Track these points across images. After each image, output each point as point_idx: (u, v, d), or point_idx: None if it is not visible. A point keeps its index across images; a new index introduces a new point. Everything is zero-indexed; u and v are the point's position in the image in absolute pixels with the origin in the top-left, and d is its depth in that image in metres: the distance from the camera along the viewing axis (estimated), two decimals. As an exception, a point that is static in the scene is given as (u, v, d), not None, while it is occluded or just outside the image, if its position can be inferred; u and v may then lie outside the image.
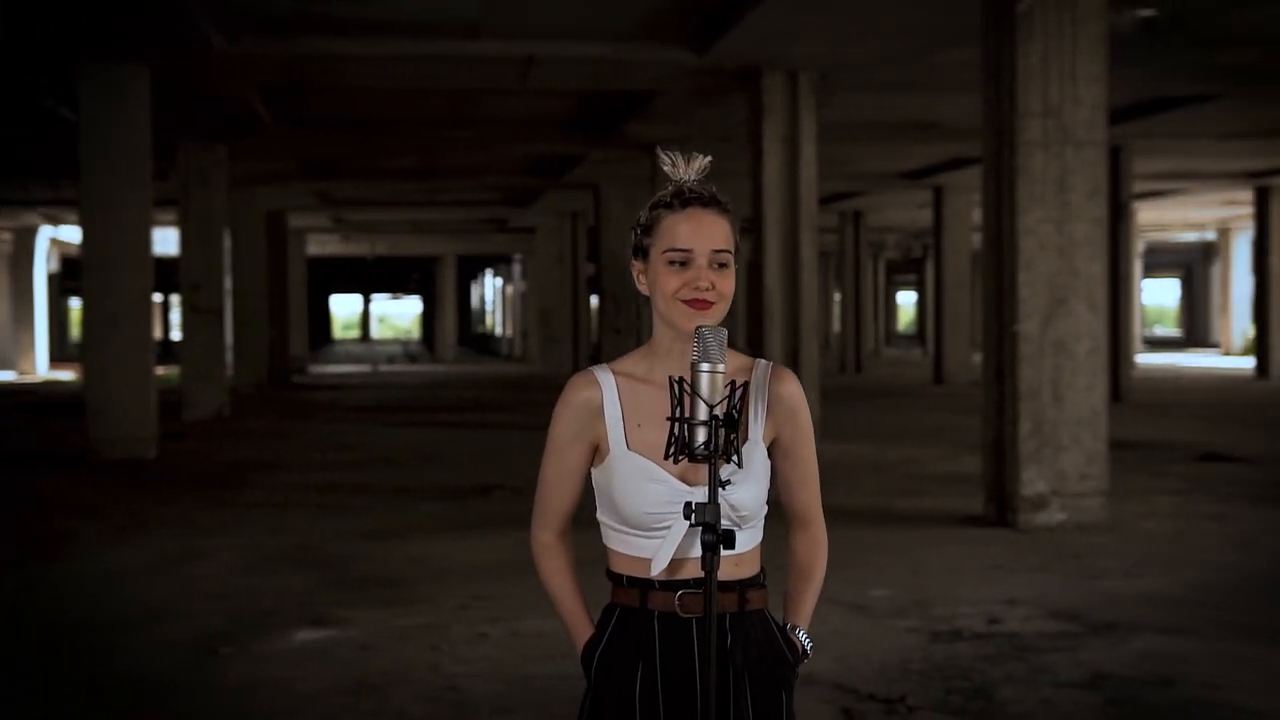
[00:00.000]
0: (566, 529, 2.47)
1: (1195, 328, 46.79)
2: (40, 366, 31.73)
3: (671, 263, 2.26)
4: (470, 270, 55.37)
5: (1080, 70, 8.68)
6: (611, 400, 2.32)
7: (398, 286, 62.63)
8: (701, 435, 2.14)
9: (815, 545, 2.50)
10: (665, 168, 2.33)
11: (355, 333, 71.35)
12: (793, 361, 13.73)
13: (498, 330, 51.73)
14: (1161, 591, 6.92)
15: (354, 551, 8.30)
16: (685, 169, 2.32)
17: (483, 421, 17.51)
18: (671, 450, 2.18)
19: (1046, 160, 8.67)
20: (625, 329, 24.52)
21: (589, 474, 2.40)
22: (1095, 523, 8.74)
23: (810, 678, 5.33)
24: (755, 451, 2.30)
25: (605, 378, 2.35)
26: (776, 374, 2.35)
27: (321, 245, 39.54)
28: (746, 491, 2.27)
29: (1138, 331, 35.58)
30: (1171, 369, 29.83)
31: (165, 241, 24.24)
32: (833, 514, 7.93)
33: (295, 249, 31.60)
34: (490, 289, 55.51)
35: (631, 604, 2.33)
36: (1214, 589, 6.98)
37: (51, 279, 34.75)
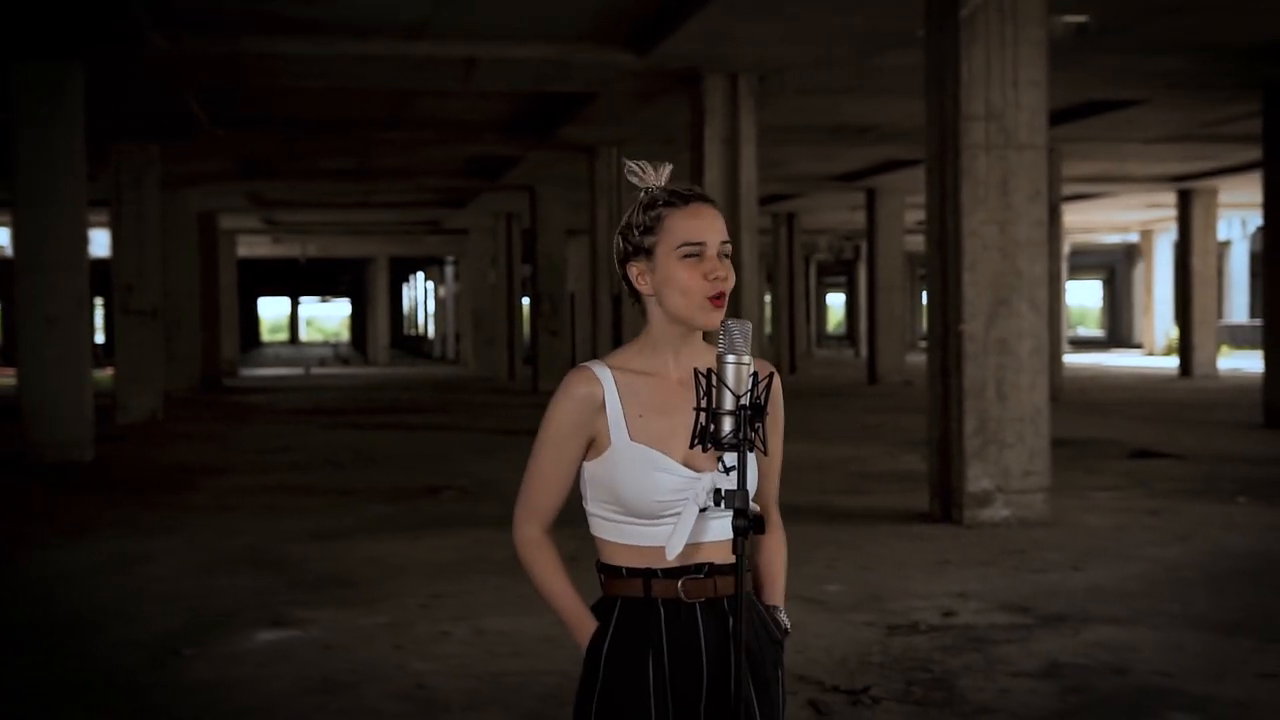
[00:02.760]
0: (552, 526, 2.48)
1: (1118, 328, 47.68)
2: (-37, 370, 31.14)
3: (687, 256, 2.34)
4: (402, 272, 55.12)
5: (1022, 75, 8.87)
6: (612, 394, 2.37)
7: (327, 289, 62.19)
8: (728, 425, 2.21)
9: (779, 529, 2.58)
10: (634, 178, 2.40)
11: (283, 335, 70.70)
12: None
13: (430, 333, 51.55)
14: (1106, 584, 7.09)
15: (308, 552, 8.28)
16: (656, 176, 2.40)
17: (422, 423, 17.46)
18: (696, 440, 2.24)
19: (989, 163, 8.84)
20: (561, 330, 24.56)
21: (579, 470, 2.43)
22: (1038, 518, 8.93)
23: (775, 670, 5.42)
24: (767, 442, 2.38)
25: (603, 373, 2.40)
26: (763, 366, 2.38)
27: (251, 247, 39.14)
28: (749, 480, 2.33)
29: (1064, 332, 36.21)
30: (1097, 369, 30.39)
31: (95, 243, 23.88)
32: (780, 510, 8.02)
33: (225, 251, 31.27)
34: (422, 291, 55.26)
35: (634, 594, 2.37)
36: (1158, 581, 7.18)
37: (-26, 281, 34.12)
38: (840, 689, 5.20)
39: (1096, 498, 10.13)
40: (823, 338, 53.94)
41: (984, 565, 7.62)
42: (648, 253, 2.38)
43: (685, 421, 2.33)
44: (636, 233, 2.39)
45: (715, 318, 2.33)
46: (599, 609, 2.43)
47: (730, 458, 2.26)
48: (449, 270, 44.06)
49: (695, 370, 2.28)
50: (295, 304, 68.69)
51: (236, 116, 17.13)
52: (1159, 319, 37.93)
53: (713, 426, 2.22)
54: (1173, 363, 28.96)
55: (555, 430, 2.40)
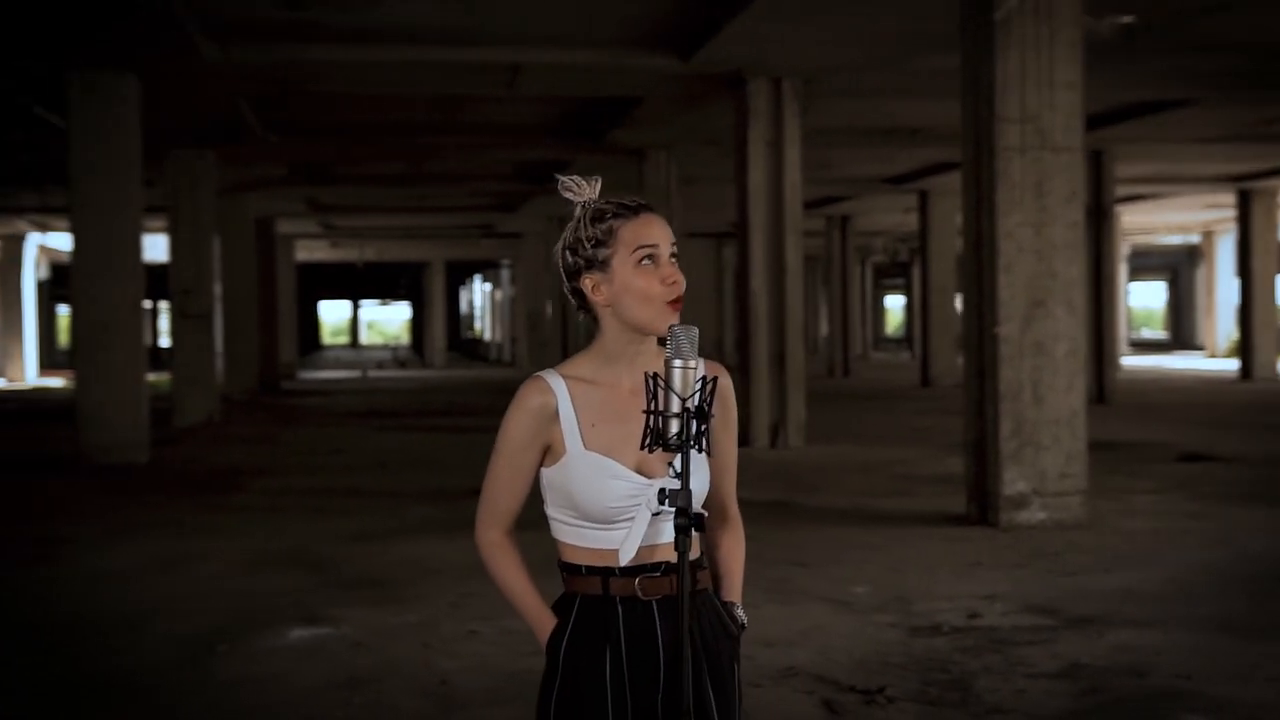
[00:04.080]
0: (513, 528, 2.57)
1: (1181, 330, 47.07)
2: (29, 374, 31.78)
3: (643, 260, 2.41)
4: (459, 275, 55.50)
5: (1057, 77, 8.84)
6: (565, 404, 2.45)
7: (386, 292, 62.63)
8: (674, 426, 2.28)
9: (737, 527, 2.66)
10: (569, 194, 2.46)
11: (344, 339, 71.36)
12: (778, 364, 13.89)
13: (486, 335, 51.87)
14: (1137, 587, 7.06)
15: (347, 553, 8.42)
16: (590, 190, 2.47)
17: (473, 425, 17.61)
18: (646, 441, 2.31)
19: (1024, 165, 8.82)
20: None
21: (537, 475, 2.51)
22: (1075, 521, 8.89)
23: (792, 670, 5.48)
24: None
25: (556, 382, 2.47)
26: (714, 369, 2.45)
27: (310, 251, 39.63)
28: (698, 480, 2.42)
29: (1123, 334, 35.79)
30: (1157, 371, 30.04)
31: (155, 248, 24.32)
32: (817, 513, 8.10)
33: (284, 255, 31.69)
34: (479, 294, 55.63)
35: (594, 592, 2.45)
36: (1189, 584, 7.13)
37: (41, 286, 34.79)
38: (856, 689, 5.24)
39: (1138, 501, 10.06)
40: (880, 340, 53.67)
41: (1015, 568, 7.61)
42: (602, 264, 2.43)
43: (637, 429, 2.39)
44: (589, 245, 2.44)
45: (672, 320, 2.40)
46: (559, 606, 2.52)
47: (679, 460, 2.33)
48: (505, 273, 44.34)
49: (645, 375, 2.35)
50: (356, 307, 69.29)
51: (289, 123, 17.37)
52: (1220, 320, 37.42)
53: (660, 427, 2.29)
54: (1234, 365, 28.57)
55: (511, 439, 2.48)
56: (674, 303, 2.41)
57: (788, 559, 7.90)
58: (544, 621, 2.51)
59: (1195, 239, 40.80)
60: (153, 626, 6.51)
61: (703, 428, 2.29)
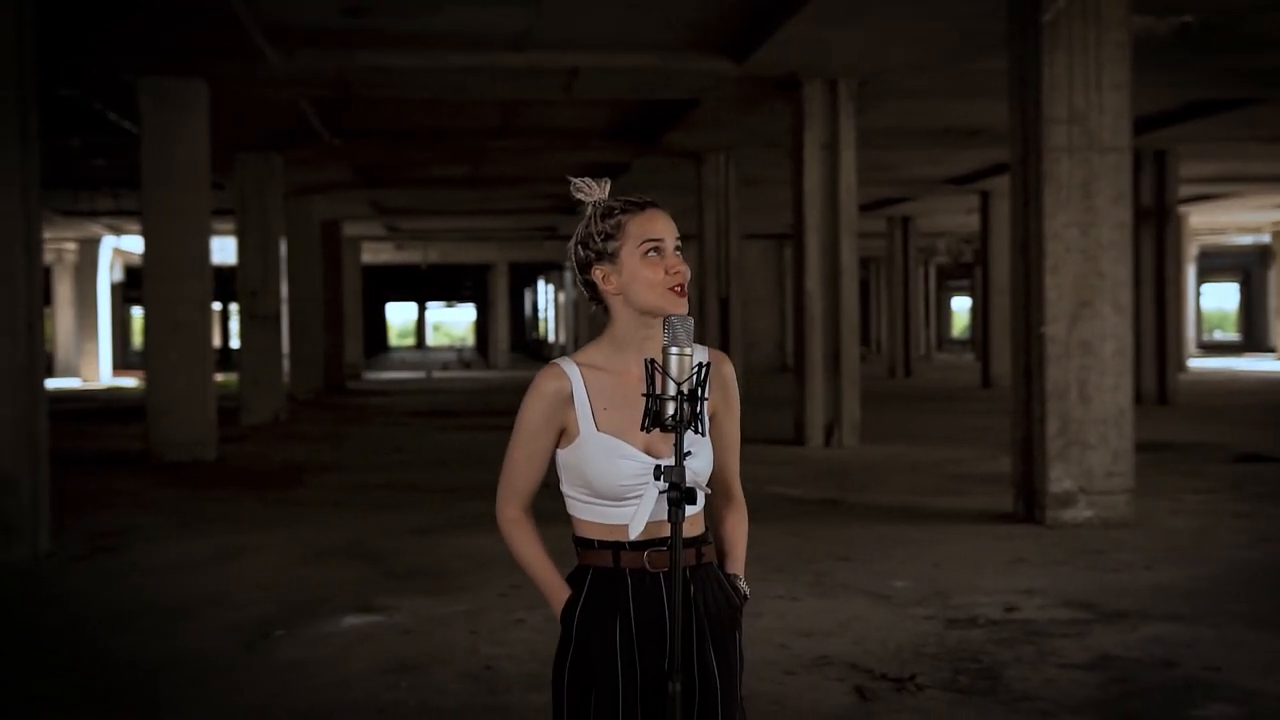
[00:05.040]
0: (531, 505, 2.77)
1: (1254, 332, 46.45)
2: (104, 374, 32.51)
3: (650, 252, 2.61)
4: (523, 277, 55.96)
5: (1105, 78, 8.89)
6: (579, 388, 2.64)
7: (451, 294, 63.30)
8: (670, 408, 2.46)
9: (740, 505, 2.85)
10: (580, 195, 2.70)
11: (411, 340, 72.11)
12: (833, 364, 13.98)
13: (550, 337, 52.26)
14: (1177, 583, 7.12)
15: (402, 546, 8.65)
16: (600, 190, 2.69)
17: (532, 425, 17.81)
18: (646, 422, 2.49)
19: (1072, 166, 8.89)
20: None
21: (553, 456, 2.70)
22: (1121, 519, 8.94)
23: (826, 658, 5.62)
24: (706, 424, 2.62)
25: (571, 369, 2.66)
26: (716, 357, 2.68)
27: (375, 253, 40.16)
28: (701, 460, 2.61)
29: (1190, 335, 35.39)
30: (1225, 373, 29.70)
31: (223, 250, 24.80)
32: (865, 511, 8.28)
33: (350, 257, 32.15)
34: (543, 296, 56.05)
35: (605, 564, 2.65)
36: (1228, 581, 7.18)
37: (115, 288, 35.55)
38: (888, 677, 5.36)
39: (1187, 500, 10.07)
40: (945, 341, 53.42)
41: (1057, 564, 7.68)
42: (611, 256, 2.64)
43: None
44: (599, 239, 2.65)
45: (681, 304, 2.60)
46: (573, 578, 2.70)
47: (687, 444, 2.50)
48: (568, 275, 44.66)
49: (645, 360, 2.53)
50: (422, 309, 70.02)
51: (353, 127, 17.71)
52: (1291, 322, 36.93)
53: (658, 409, 2.47)
54: (1302, 367, 28.20)
55: (529, 422, 2.67)
56: (677, 289, 2.60)
57: (831, 554, 8.03)
58: (559, 592, 2.70)
59: (1266, 239, 40.26)
60: (211, 613, 6.77)
61: (697, 410, 2.47)
